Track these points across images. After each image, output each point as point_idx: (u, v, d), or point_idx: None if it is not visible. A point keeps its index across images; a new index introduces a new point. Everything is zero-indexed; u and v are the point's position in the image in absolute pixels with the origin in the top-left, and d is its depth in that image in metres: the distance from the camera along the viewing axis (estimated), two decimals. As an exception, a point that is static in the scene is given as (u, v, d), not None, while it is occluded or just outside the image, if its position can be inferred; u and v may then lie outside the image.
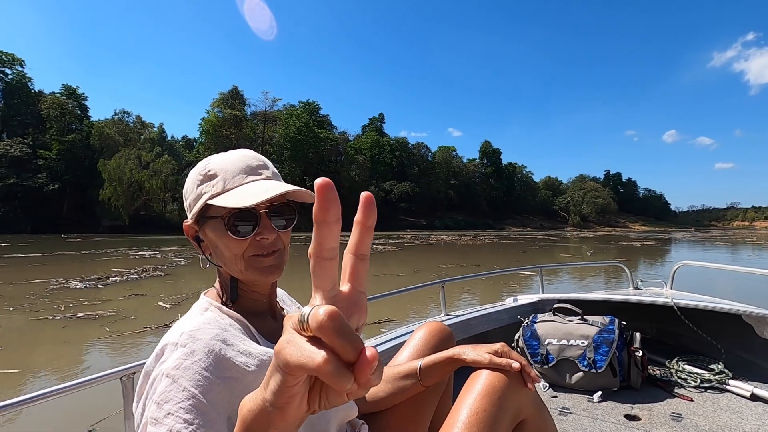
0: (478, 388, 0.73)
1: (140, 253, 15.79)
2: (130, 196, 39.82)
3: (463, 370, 0.80)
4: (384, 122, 77.09)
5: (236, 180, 0.60)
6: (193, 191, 0.61)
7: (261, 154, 0.64)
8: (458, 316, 2.05)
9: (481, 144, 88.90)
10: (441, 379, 0.83)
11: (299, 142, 53.79)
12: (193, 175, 0.62)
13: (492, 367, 0.75)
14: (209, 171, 0.61)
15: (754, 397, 1.62)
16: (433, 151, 79.83)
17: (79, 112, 46.91)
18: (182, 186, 0.64)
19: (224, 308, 0.61)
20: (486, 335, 2.17)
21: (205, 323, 0.56)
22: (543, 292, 2.44)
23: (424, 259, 14.17)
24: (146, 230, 38.50)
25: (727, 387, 1.72)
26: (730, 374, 1.77)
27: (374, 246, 18.03)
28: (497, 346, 0.78)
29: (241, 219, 0.59)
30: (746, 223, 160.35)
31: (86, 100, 49.56)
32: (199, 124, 53.95)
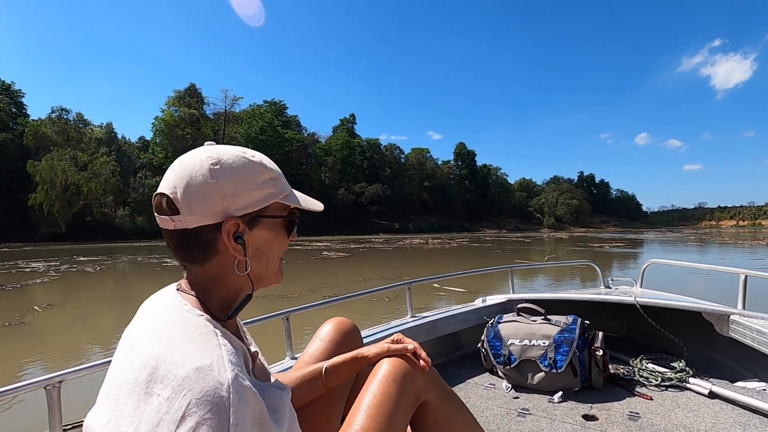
0: (379, 375, 0.81)
1: (33, 265, 14.06)
2: (65, 201, 37.16)
3: None
4: (355, 123, 77.25)
5: (287, 184, 0.63)
6: (254, 184, 0.58)
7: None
8: (425, 317, 2.07)
9: (456, 145, 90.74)
10: (346, 380, 0.89)
11: (262, 143, 52.84)
12: (247, 166, 0.58)
13: (391, 354, 0.84)
14: (269, 167, 0.61)
15: (712, 395, 1.67)
16: (406, 153, 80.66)
17: (14, 110, 44.05)
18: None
19: (228, 332, 0.54)
20: (453, 336, 2.19)
21: (235, 364, 0.47)
22: (513, 293, 2.47)
23: (371, 267, 13.12)
24: (91, 238, 36.49)
25: (687, 385, 1.77)
26: (691, 372, 1.83)
27: (321, 252, 17.67)
28: (394, 336, 0.89)
29: (293, 222, 0.64)
30: (713, 223, 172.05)
31: (23, 97, 46.71)
32: (153, 123, 52.02)
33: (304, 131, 68.91)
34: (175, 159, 0.58)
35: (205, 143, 0.60)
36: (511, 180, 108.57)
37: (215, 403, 0.42)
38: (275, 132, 54.83)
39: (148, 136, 57.13)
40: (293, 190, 0.65)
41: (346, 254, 17.46)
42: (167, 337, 0.49)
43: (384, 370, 0.82)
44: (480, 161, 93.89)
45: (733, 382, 1.78)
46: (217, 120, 57.46)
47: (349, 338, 0.96)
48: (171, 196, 0.54)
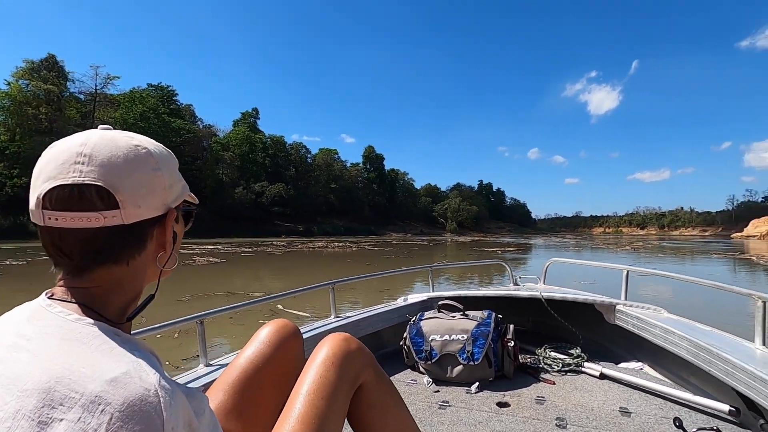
0: (318, 359, 0.83)
1: None
2: None
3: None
4: (258, 118, 73.95)
5: None
6: (177, 175, 0.57)
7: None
8: (348, 317, 2.12)
9: (365, 148, 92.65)
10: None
11: (143, 132, 45.63)
12: (171, 156, 0.57)
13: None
14: (175, 157, 0.59)
15: (602, 376, 1.96)
16: (313, 153, 79.70)
17: None
18: None
19: (132, 337, 0.49)
20: (377, 335, 2.26)
21: (155, 367, 0.43)
22: (433, 291, 2.62)
23: (233, 278, 11.35)
24: None
25: (583, 369, 2.05)
26: (586, 357, 2.12)
27: (192, 257, 16.21)
28: None
29: (191, 214, 0.63)
30: (587, 229, 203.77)
31: None
32: (-7, 98, 42.89)
33: (199, 123, 63.69)
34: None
35: (99, 126, 0.52)
36: (418, 185, 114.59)
37: (144, 411, 0.38)
38: (160, 120, 49.38)
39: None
40: None
41: (219, 260, 15.73)
42: (57, 355, 0.41)
43: (322, 353, 0.84)
44: (388, 166, 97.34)
45: (618, 363, 2.12)
46: (87, 101, 49.74)
47: (290, 341, 0.93)
48: (108, 188, 0.46)
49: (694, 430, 1.40)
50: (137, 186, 0.48)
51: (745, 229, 74.26)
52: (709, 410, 1.55)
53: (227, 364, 0.95)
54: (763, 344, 1.48)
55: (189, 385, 1.28)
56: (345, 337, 0.91)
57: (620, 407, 1.64)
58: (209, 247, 24.61)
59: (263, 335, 0.93)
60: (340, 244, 30.81)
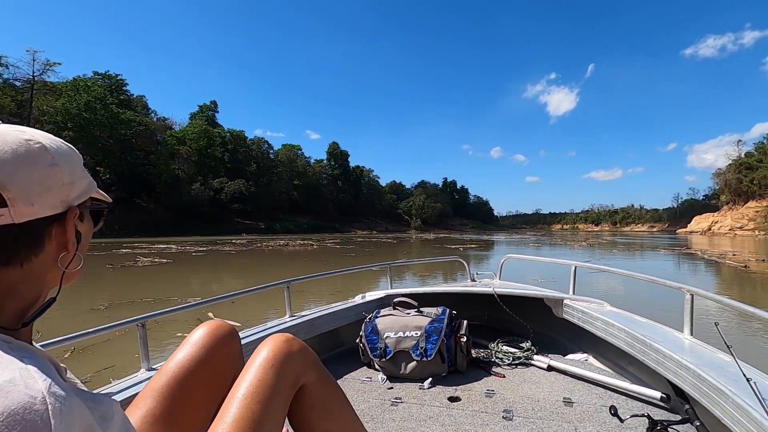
0: (257, 361, 0.81)
1: None
2: None
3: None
4: (217, 111, 71.56)
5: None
6: (81, 171, 0.53)
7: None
8: (304, 316, 2.10)
9: (329, 145, 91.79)
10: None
11: (88, 123, 44.32)
12: (72, 151, 0.53)
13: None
14: (78, 153, 0.55)
15: (549, 368, 2.05)
16: (276, 149, 78.04)
17: None
18: None
19: (24, 343, 0.45)
20: (333, 333, 2.26)
21: (46, 374, 0.39)
22: (391, 288, 2.65)
23: (185, 281, 10.52)
24: None
25: (532, 362, 2.14)
26: (535, 350, 2.21)
27: (136, 258, 15.40)
28: None
29: (101, 213, 0.59)
30: (546, 226, 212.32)
31: None
32: None
33: (152, 115, 60.67)
34: None
35: None
36: (383, 183, 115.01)
37: (29, 420, 0.35)
38: (108, 111, 46.36)
39: None
40: None
41: (166, 261, 14.96)
42: None
43: (262, 355, 0.82)
44: (353, 163, 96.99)
45: (565, 355, 2.22)
46: (24, 88, 45.90)
47: (226, 343, 0.91)
48: None
49: (628, 416, 1.49)
50: (29, 183, 0.45)
51: (688, 225, 79.78)
52: (643, 397, 1.66)
53: None
54: (691, 334, 1.60)
55: (126, 392, 1.22)
56: (286, 338, 0.89)
57: (564, 398, 1.73)
58: (161, 246, 23.56)
59: (196, 337, 0.90)
60: (302, 242, 30.09)
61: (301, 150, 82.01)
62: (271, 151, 76.37)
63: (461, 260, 3.16)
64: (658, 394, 1.59)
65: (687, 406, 1.46)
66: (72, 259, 0.51)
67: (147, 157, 51.79)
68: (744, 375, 1.12)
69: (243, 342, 1.62)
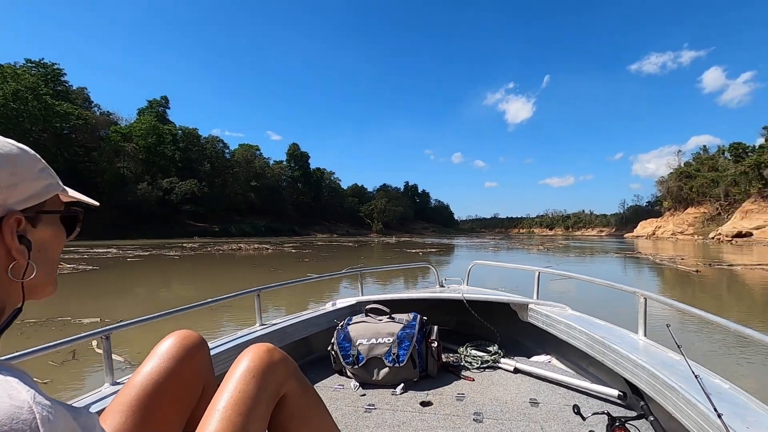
0: (237, 372, 0.80)
1: None
2: None
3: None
4: (168, 107, 68.62)
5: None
6: (32, 173, 0.49)
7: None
8: (275, 324, 2.10)
9: (289, 146, 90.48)
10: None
11: (17, 114, 41.11)
12: (20, 152, 0.49)
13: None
14: (38, 155, 0.52)
15: (516, 371, 2.16)
16: (232, 149, 75.84)
17: None
18: None
19: None
20: (305, 341, 2.27)
21: (28, 384, 0.39)
22: (362, 295, 2.68)
23: (98, 294, 8.82)
24: None
25: (499, 365, 2.24)
26: (502, 353, 2.32)
27: (59, 263, 13.76)
28: None
29: (76, 218, 0.57)
30: (504, 230, 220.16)
31: None
32: None
33: (95, 109, 57.10)
34: None
35: None
36: (344, 185, 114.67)
37: (18, 430, 0.35)
38: (41, 102, 43.20)
39: None
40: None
41: (92, 267, 13.59)
42: None
43: (242, 366, 0.81)
44: (315, 165, 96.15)
45: (530, 357, 2.34)
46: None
47: (194, 354, 0.89)
48: None
49: (590, 414, 1.61)
50: None
51: (635, 229, 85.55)
52: (603, 396, 1.79)
53: None
54: (645, 335, 1.75)
55: (91, 407, 1.18)
56: (267, 348, 0.88)
57: (530, 398, 1.83)
58: (100, 250, 22.04)
59: (163, 348, 0.88)
60: (257, 246, 29.18)
61: (259, 150, 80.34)
62: (227, 151, 74.26)
63: (430, 266, 3.25)
64: (616, 392, 1.72)
65: (642, 403, 1.59)
66: (26, 269, 0.47)
67: (88, 154, 48.65)
68: (693, 372, 1.25)
69: (213, 352, 1.60)
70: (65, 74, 51.77)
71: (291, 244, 34.34)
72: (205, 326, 5.34)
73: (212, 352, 1.61)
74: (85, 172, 47.20)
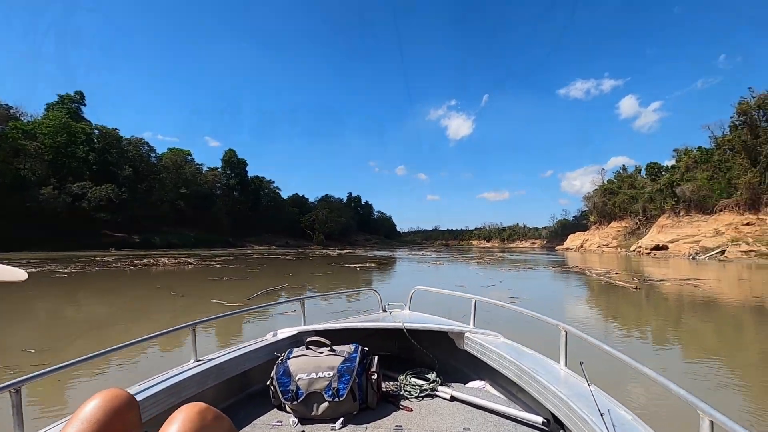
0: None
1: None
2: None
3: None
4: (84, 104, 63.10)
5: None
6: None
7: None
8: (211, 360, 2.06)
9: (225, 152, 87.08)
10: None
11: None
12: None
13: None
14: None
15: (452, 399, 2.27)
16: (160, 153, 71.35)
17: None
18: None
19: None
20: (244, 376, 2.23)
21: None
22: (304, 323, 2.69)
23: None
24: None
25: (437, 393, 2.34)
26: (440, 381, 2.43)
27: None
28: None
29: None
30: (444, 242, 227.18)
31: None
32: None
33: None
34: None
35: None
36: (285, 195, 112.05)
37: None
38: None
39: None
40: None
41: None
42: None
43: (175, 429, 0.79)
44: (253, 173, 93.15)
45: (466, 383, 2.49)
46: None
47: (123, 415, 0.84)
48: None
49: None
50: None
51: (564, 242, 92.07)
52: (530, 423, 1.96)
53: None
54: (566, 365, 1.95)
55: None
56: (200, 408, 0.84)
57: (464, 428, 1.95)
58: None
59: (88, 412, 0.81)
60: (178, 261, 27.06)
61: (191, 155, 76.35)
62: (154, 155, 69.66)
63: (375, 291, 3.35)
64: (540, 420, 1.90)
65: (562, 430, 1.77)
66: None
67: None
68: (599, 407, 1.43)
69: (141, 399, 1.55)
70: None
71: (221, 258, 32.64)
72: (127, 360, 4.96)
73: (141, 399, 1.56)
74: (-24, 174, 41.98)
